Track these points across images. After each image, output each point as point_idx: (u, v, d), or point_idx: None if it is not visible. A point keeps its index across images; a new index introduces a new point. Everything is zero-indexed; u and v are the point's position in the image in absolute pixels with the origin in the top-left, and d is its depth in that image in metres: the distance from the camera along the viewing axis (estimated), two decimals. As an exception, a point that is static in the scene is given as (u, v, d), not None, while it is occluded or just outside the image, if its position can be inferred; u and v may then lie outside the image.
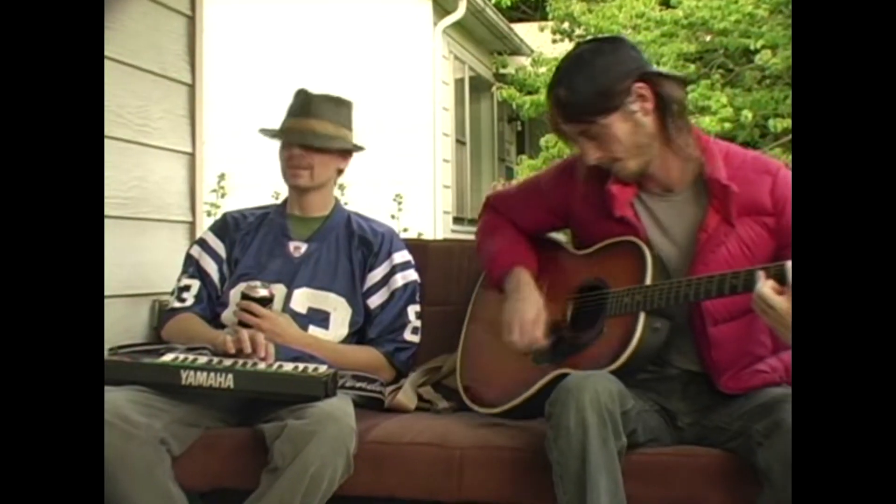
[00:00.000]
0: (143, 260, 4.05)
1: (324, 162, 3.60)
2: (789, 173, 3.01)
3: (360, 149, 3.68)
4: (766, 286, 2.61)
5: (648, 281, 2.94)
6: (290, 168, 3.58)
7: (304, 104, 3.64)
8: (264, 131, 3.64)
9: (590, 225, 3.16)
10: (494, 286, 3.30)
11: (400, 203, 10.06)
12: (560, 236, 3.45)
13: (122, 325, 3.85)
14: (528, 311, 3.08)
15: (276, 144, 3.67)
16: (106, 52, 3.80)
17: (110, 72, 3.85)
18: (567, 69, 3.03)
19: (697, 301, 2.88)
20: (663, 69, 3.02)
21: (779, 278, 2.61)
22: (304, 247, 3.58)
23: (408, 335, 3.56)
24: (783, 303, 2.57)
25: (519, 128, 16.82)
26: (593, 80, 2.94)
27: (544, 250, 3.29)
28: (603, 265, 3.08)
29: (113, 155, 3.87)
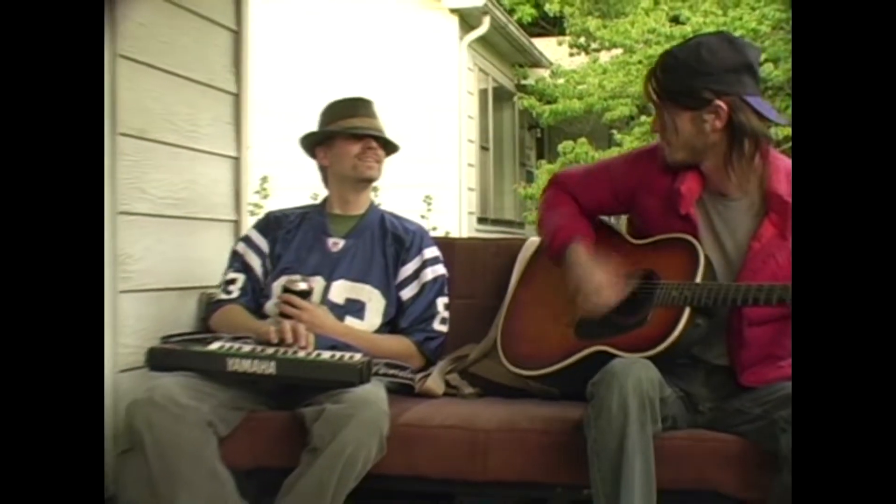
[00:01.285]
0: (192, 256, 4.06)
1: (384, 157, 3.65)
2: None
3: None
4: None
5: (699, 279, 2.91)
6: (365, 161, 3.58)
7: (366, 106, 3.68)
8: (340, 131, 3.60)
9: (653, 216, 3.11)
10: (554, 258, 3.23)
11: (429, 204, 10.08)
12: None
13: (172, 316, 3.85)
14: (598, 275, 3.04)
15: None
16: (159, 64, 3.83)
17: (163, 82, 3.87)
18: (684, 47, 3.02)
19: (744, 306, 2.86)
20: (759, 103, 2.92)
21: None
22: (341, 242, 3.58)
23: (437, 325, 3.54)
24: None
25: (538, 135, 16.81)
26: (689, 74, 2.92)
27: (601, 234, 3.24)
28: (657, 257, 3.04)
29: (165, 159, 3.89)
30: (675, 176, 3.04)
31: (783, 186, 2.91)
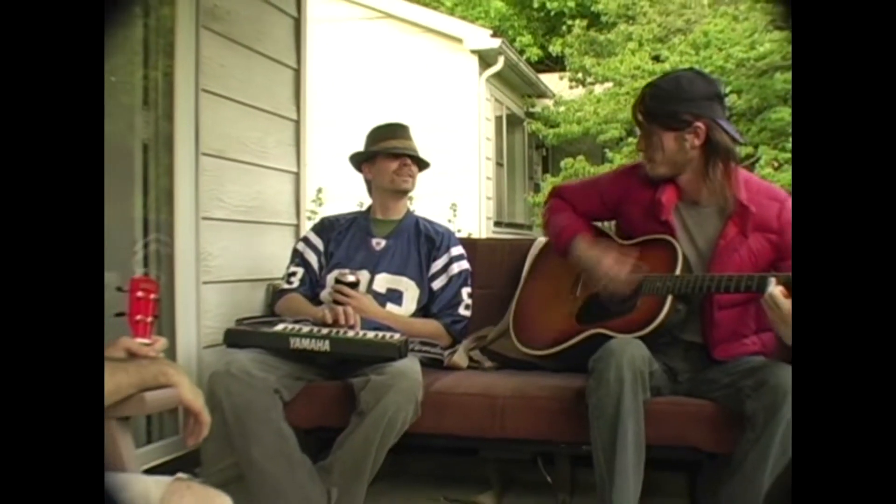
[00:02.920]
0: (261, 253, 4.06)
1: (417, 172, 3.64)
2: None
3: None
4: (776, 290, 2.57)
5: (678, 272, 2.90)
6: (400, 175, 3.58)
7: (403, 130, 3.67)
8: (382, 151, 3.60)
9: (637, 222, 3.09)
10: (561, 253, 3.21)
11: (455, 210, 10.08)
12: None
13: (245, 303, 3.86)
14: (606, 258, 3.02)
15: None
16: (235, 97, 3.84)
17: (238, 112, 3.89)
18: (666, 79, 2.98)
19: (717, 293, 2.84)
20: (728, 125, 2.94)
21: (787, 285, 2.57)
22: (383, 242, 3.57)
23: (462, 311, 3.53)
24: (787, 305, 2.55)
25: (544, 153, 16.73)
26: (672, 100, 2.90)
27: (597, 236, 3.21)
28: (643, 255, 3.02)
29: (240, 174, 3.90)
30: (654, 188, 3.02)
31: (742, 193, 2.90)
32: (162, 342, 2.01)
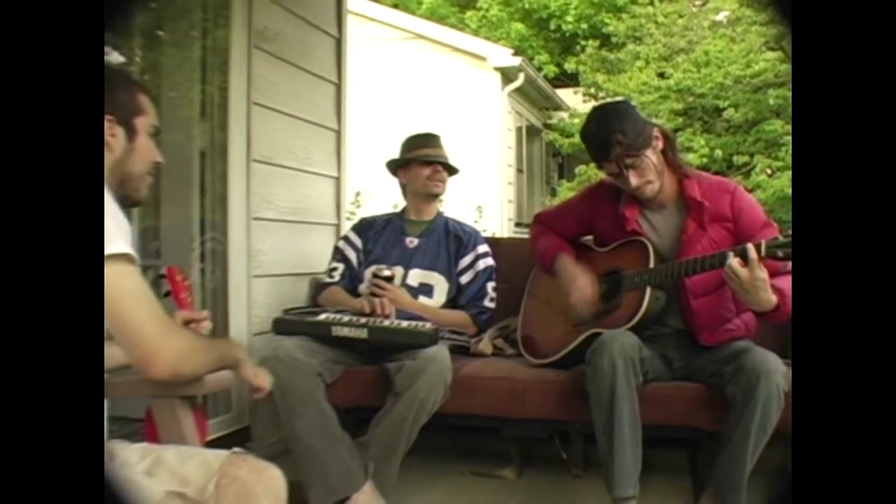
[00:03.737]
0: (305, 250, 4.08)
1: (447, 178, 3.64)
2: (743, 191, 2.98)
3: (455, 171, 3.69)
4: (733, 261, 2.57)
5: (651, 265, 2.90)
6: (432, 180, 3.58)
7: (435, 139, 3.67)
8: (416, 158, 3.59)
9: (608, 234, 3.11)
10: (547, 271, 3.25)
11: (480, 212, 10.08)
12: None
13: (291, 295, 3.87)
14: (581, 280, 3.05)
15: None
16: (283, 109, 3.86)
17: (285, 123, 3.91)
18: (614, 120, 2.88)
19: (687, 276, 2.83)
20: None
21: (742, 257, 2.57)
22: (416, 241, 3.57)
23: (487, 303, 3.52)
24: (745, 273, 2.55)
25: (560, 161, 16.68)
26: (636, 125, 2.88)
27: (578, 249, 3.23)
28: (619, 257, 3.03)
29: (286, 179, 3.92)
30: (618, 202, 3.04)
31: (696, 191, 2.92)
32: (206, 313, 2.10)
